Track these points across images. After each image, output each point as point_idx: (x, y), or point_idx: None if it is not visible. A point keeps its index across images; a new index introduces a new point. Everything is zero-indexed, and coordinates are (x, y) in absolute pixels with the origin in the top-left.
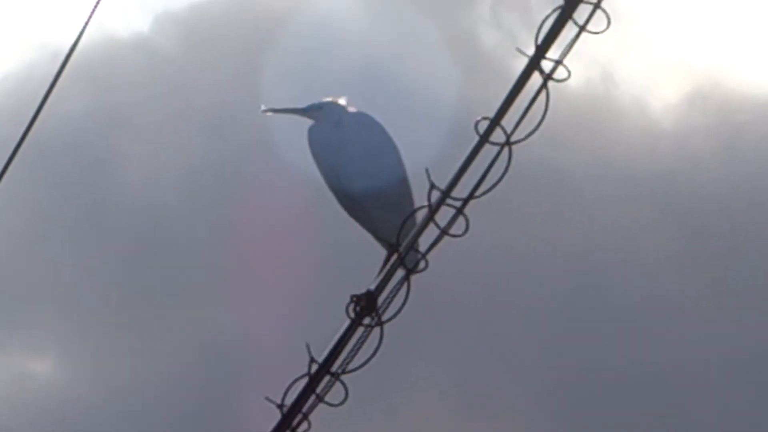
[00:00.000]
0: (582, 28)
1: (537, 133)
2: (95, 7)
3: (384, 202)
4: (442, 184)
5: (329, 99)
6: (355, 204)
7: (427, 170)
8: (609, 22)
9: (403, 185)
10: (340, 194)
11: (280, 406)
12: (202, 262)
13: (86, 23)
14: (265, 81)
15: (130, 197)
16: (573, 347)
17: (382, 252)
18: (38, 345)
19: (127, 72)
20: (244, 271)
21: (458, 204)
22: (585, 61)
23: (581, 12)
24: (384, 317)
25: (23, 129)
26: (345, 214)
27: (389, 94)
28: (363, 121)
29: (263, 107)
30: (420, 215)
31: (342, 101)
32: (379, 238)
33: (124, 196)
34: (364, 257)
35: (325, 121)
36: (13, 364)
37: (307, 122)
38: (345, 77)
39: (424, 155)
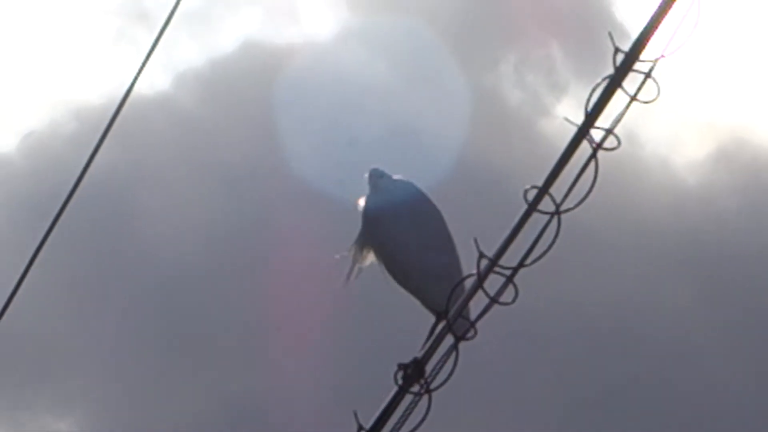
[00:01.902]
0: (633, 98)
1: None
2: (140, 70)
3: (433, 271)
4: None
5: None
6: (404, 274)
7: (475, 239)
8: (659, 92)
9: (451, 252)
10: (390, 265)
11: None
12: (233, 322)
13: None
14: (288, 138)
15: (155, 254)
16: (615, 408)
17: (429, 319)
18: (63, 404)
19: (150, 129)
20: (284, 334)
21: (507, 272)
22: (608, 120)
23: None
24: (432, 385)
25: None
26: (391, 281)
27: (414, 153)
28: (407, 189)
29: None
30: (467, 282)
31: (379, 168)
32: (427, 306)
33: (148, 252)
34: (410, 324)
35: (373, 192)
36: (38, 423)
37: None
38: (368, 135)
39: (452, 215)
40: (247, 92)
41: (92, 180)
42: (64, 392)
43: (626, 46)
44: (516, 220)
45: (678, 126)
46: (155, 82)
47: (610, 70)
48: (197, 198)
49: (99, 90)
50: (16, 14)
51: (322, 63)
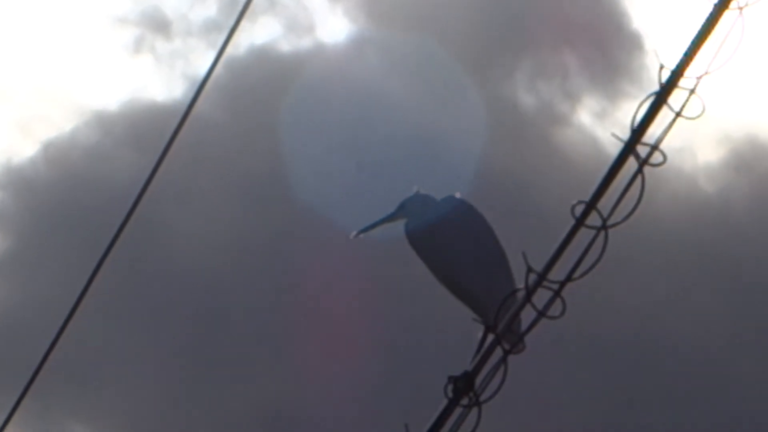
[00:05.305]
0: (678, 114)
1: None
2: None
3: (488, 284)
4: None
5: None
6: (460, 288)
7: (524, 254)
8: (704, 108)
9: (504, 263)
10: (447, 281)
11: None
12: (266, 332)
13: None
14: (308, 146)
15: (180, 265)
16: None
17: (477, 332)
18: (89, 411)
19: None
20: (323, 343)
21: (555, 286)
22: (622, 126)
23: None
24: (482, 397)
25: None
26: (442, 287)
27: (430, 163)
28: (457, 206)
29: (353, 233)
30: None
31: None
32: (478, 315)
33: (173, 264)
34: (460, 337)
35: (416, 217)
36: (62, 427)
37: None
38: (386, 144)
39: None
40: (267, 100)
41: (112, 189)
42: (94, 413)
43: (643, 57)
44: (563, 234)
45: (692, 134)
46: (172, 89)
47: (624, 77)
48: (220, 207)
49: (118, 98)
50: (35, 23)
51: (337, 72)
